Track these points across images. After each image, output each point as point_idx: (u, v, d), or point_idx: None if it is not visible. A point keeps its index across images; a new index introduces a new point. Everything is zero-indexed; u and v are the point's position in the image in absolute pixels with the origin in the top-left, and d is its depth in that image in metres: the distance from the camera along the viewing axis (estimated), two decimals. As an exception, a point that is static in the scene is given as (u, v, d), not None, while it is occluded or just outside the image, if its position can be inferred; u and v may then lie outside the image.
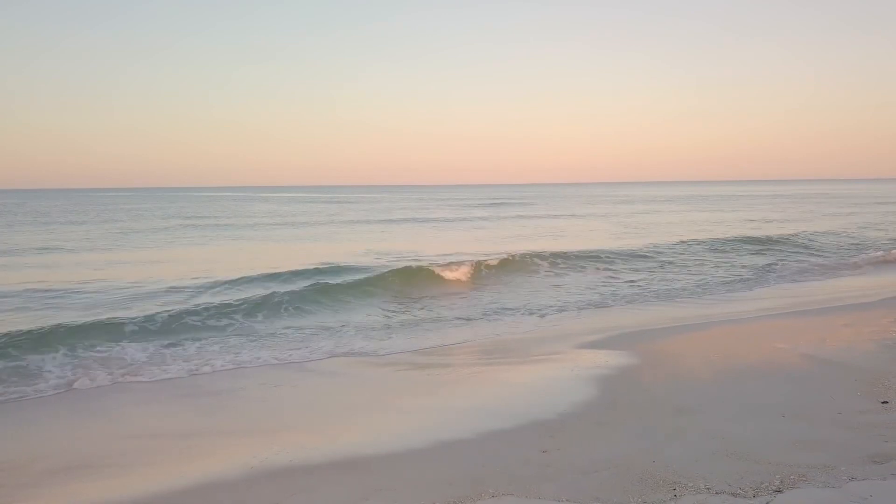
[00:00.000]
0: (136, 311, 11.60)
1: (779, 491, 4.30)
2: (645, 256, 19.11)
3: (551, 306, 12.53)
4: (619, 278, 15.90)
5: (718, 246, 21.64)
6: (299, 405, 7.01)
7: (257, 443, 5.66)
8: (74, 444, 5.84)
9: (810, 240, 23.37)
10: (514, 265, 16.77)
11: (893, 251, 20.71)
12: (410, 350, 9.27)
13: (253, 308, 11.62)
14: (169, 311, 11.21)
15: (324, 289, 13.41)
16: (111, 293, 13.66)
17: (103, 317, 11.19)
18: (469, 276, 15.54)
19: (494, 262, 16.71)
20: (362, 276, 14.97)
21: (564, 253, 18.68)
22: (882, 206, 50.86)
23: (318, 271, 15.99)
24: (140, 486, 4.84)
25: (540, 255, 18.02)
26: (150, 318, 10.56)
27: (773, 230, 27.68)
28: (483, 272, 15.89)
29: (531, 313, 11.88)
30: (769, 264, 18.15)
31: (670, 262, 18.25)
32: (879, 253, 20.49)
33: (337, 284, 13.86)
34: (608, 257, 18.51)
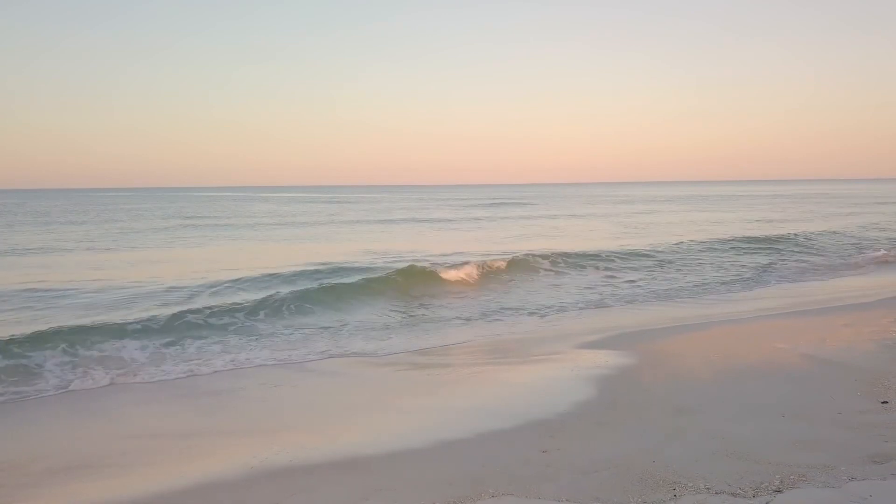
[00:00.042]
0: (137, 311, 11.62)
1: (779, 491, 4.30)
2: (645, 256, 19.11)
3: (551, 306, 12.53)
4: (618, 278, 15.90)
5: (718, 246, 21.64)
6: (299, 405, 7.01)
7: (257, 443, 5.66)
8: (74, 444, 5.84)
9: (810, 240, 23.36)
10: (514, 265, 16.76)
11: (893, 251, 20.72)
12: (410, 350, 9.27)
13: (253, 308, 11.61)
14: (169, 311, 11.20)
15: (323, 289, 13.40)
16: (111, 293, 13.66)
17: (103, 317, 11.20)
18: (469, 276, 15.53)
19: (494, 263, 16.70)
20: (362, 276, 14.96)
21: (564, 253, 18.68)
22: (882, 205, 50.87)
23: (317, 271, 16.00)
24: (140, 486, 4.84)
25: (540, 256, 18.01)
26: (150, 318, 10.54)
27: (773, 230, 27.67)
28: (483, 272, 15.88)
29: (531, 313, 11.88)
30: (769, 264, 18.16)
31: (670, 262, 18.24)
32: (879, 253, 20.49)
33: (337, 284, 13.85)
34: (608, 257, 18.51)
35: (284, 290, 13.20)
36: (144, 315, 10.92)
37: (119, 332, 9.82)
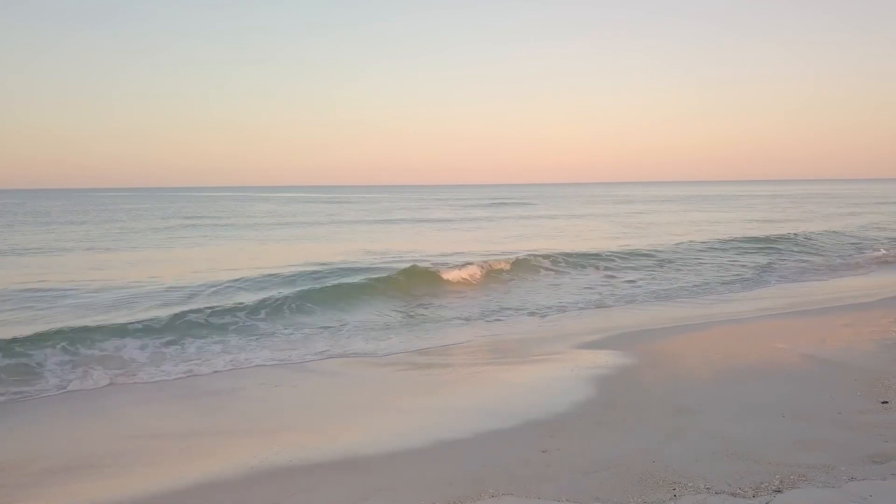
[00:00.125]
0: (137, 311, 11.62)
1: (778, 491, 4.30)
2: (645, 256, 19.10)
3: (551, 306, 12.53)
4: (618, 278, 15.90)
5: (718, 246, 21.65)
6: (299, 405, 7.01)
7: (257, 443, 5.66)
8: (74, 444, 5.84)
9: (810, 240, 23.36)
10: (513, 265, 16.75)
11: (893, 251, 20.72)
12: (410, 350, 9.27)
13: (253, 308, 11.60)
14: (169, 311, 11.20)
15: (324, 289, 13.40)
16: (111, 293, 13.66)
17: (103, 317, 11.21)
18: (469, 276, 15.53)
19: (494, 263, 16.70)
20: (362, 276, 14.96)
21: (564, 253, 18.69)
22: (882, 205, 50.86)
23: (317, 271, 16.01)
24: (140, 486, 4.84)
25: (540, 255, 18.02)
26: (150, 318, 10.54)
27: (774, 230, 27.67)
28: (483, 272, 15.88)
29: (531, 313, 11.88)
30: (769, 264, 18.15)
31: (670, 262, 18.24)
32: (879, 253, 20.50)
33: (337, 285, 13.86)
34: (608, 257, 18.51)
35: (284, 290, 13.21)
36: (144, 315, 10.93)
37: (119, 332, 9.82)
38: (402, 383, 7.71)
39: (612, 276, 16.16)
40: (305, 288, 13.39)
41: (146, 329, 10.03)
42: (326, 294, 13.04)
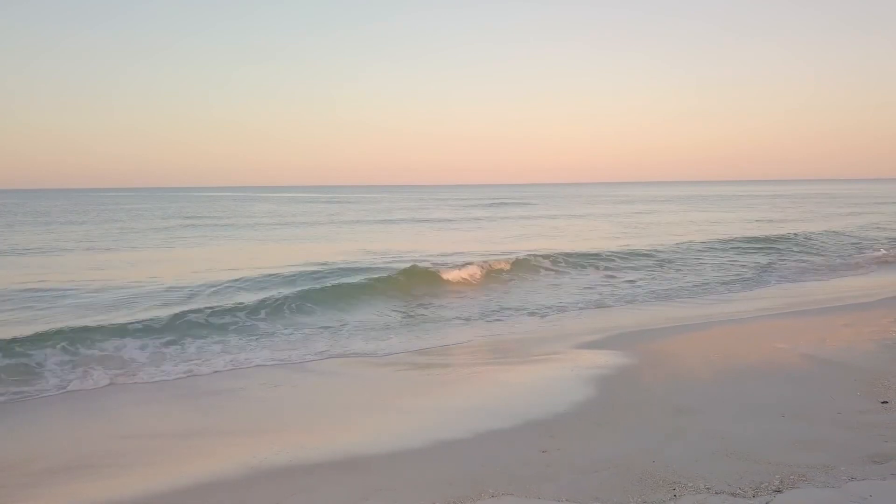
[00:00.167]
0: (137, 311, 11.63)
1: (778, 491, 4.30)
2: (645, 256, 19.11)
3: (551, 306, 12.53)
4: (618, 278, 15.90)
5: (718, 246, 21.64)
6: (299, 405, 7.01)
7: (257, 443, 5.66)
8: (74, 444, 5.84)
9: (810, 240, 23.36)
10: (513, 265, 16.75)
11: (893, 251, 20.72)
12: (410, 350, 9.27)
13: (253, 308, 11.60)
14: (169, 311, 11.20)
15: (324, 289, 13.39)
16: (111, 293, 13.67)
17: (103, 317, 11.21)
18: (469, 276, 15.53)
19: (494, 263, 16.70)
20: (362, 276, 14.96)
21: (565, 253, 18.69)
22: (882, 205, 50.86)
23: (317, 271, 16.00)
24: (140, 486, 4.84)
25: (540, 255, 18.02)
26: (150, 318, 10.54)
27: (773, 230, 27.67)
28: (483, 272, 15.88)
29: (531, 313, 11.88)
30: (769, 264, 18.15)
31: (670, 262, 18.24)
32: (879, 253, 20.50)
33: (337, 285, 13.85)
34: (608, 257, 18.51)
35: (284, 290, 13.21)
36: (144, 315, 10.93)
37: (119, 332, 9.82)
38: (402, 383, 7.71)
39: (612, 276, 16.16)
40: (305, 288, 13.39)
41: (146, 329, 10.03)
42: (326, 294, 13.05)
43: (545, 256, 17.92)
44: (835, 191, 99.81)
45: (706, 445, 5.15)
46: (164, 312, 11.00)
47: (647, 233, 29.42)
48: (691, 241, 22.84)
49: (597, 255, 18.75)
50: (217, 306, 11.56)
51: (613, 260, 18.24)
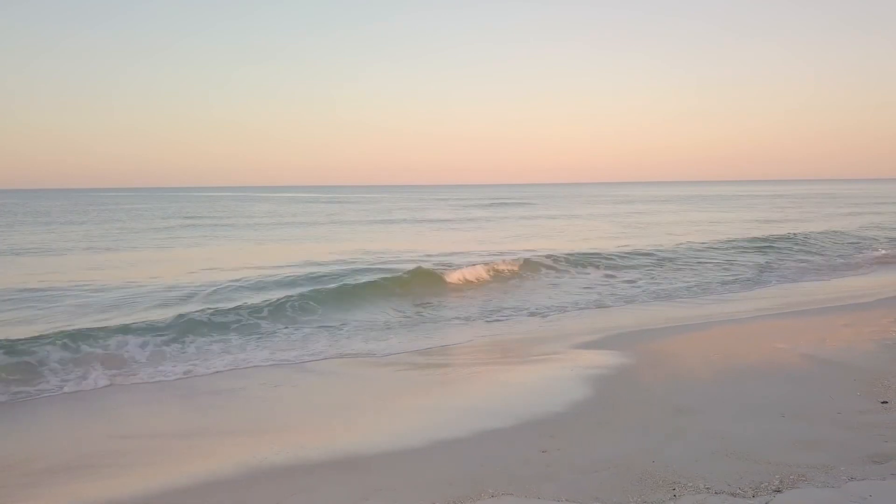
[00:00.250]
0: (137, 311, 11.63)
1: (778, 491, 4.30)
2: (644, 256, 19.11)
3: (551, 306, 12.53)
4: (618, 278, 15.90)
5: (718, 246, 21.64)
6: (299, 405, 7.02)
7: (257, 443, 5.66)
8: (74, 444, 5.84)
9: (810, 240, 23.36)
10: (513, 265, 16.75)
11: (893, 251, 20.73)
12: (410, 350, 9.27)
13: (253, 308, 11.60)
14: (169, 311, 11.21)
15: (324, 289, 13.38)
16: (111, 293, 13.67)
17: (103, 317, 11.21)
18: (469, 276, 15.54)
19: (494, 263, 16.70)
20: (363, 276, 14.97)
21: (565, 253, 18.68)
22: (882, 205, 50.86)
23: (317, 272, 16.00)
24: (140, 486, 4.84)
25: (540, 255, 18.02)
26: (150, 318, 10.55)
27: (773, 230, 27.68)
28: (483, 272, 15.88)
29: (531, 313, 11.88)
30: (769, 264, 18.15)
31: (670, 262, 18.24)
32: (879, 253, 20.51)
33: (338, 285, 13.85)
34: (608, 257, 18.51)
35: (284, 290, 13.21)
36: (145, 315, 10.94)
37: (120, 331, 9.81)
38: (402, 383, 7.71)
39: (611, 276, 16.16)
40: (306, 288, 13.39)
41: (147, 328, 10.02)
42: (327, 294, 13.04)
43: (545, 256, 17.91)
44: (835, 191, 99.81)
45: (706, 445, 5.15)
46: (165, 312, 11.01)
47: (646, 233, 29.42)
48: (691, 241, 22.85)
49: (597, 255, 18.75)
50: (217, 306, 11.56)
51: (613, 260, 18.24)
